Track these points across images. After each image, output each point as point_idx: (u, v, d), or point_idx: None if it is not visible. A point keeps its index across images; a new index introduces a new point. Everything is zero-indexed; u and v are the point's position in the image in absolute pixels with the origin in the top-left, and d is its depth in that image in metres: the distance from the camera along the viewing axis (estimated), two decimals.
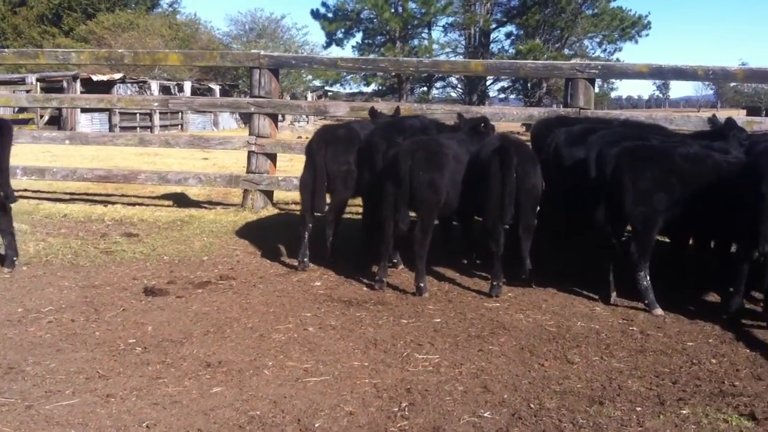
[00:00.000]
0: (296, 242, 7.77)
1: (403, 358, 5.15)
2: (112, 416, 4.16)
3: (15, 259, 7.31)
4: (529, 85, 51.03)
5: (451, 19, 53.04)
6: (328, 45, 54.32)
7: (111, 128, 37.52)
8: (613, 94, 70.72)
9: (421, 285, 6.73)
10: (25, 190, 12.03)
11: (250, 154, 9.77)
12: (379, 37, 54.80)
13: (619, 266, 6.51)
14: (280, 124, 37.45)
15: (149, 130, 38.30)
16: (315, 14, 53.83)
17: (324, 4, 53.50)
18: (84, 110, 36.53)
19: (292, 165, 14.28)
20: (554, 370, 4.98)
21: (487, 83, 53.81)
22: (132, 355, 5.14)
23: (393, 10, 50.38)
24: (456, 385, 4.67)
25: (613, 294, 6.53)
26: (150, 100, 11.04)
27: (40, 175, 10.78)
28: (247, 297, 6.61)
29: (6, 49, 10.95)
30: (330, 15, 53.37)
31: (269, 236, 8.83)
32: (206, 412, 4.24)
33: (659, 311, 6.25)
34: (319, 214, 7.69)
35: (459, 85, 56.04)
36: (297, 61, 10.13)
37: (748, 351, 5.41)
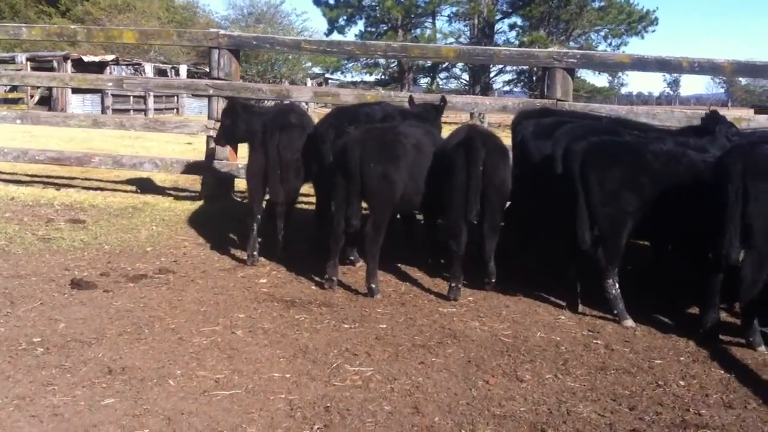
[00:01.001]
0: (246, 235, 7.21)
1: (332, 369, 4.59)
2: None
3: None
4: (534, 77, 50.33)
5: (454, 9, 52.33)
6: (330, 32, 53.57)
7: (103, 110, 36.87)
8: (623, 90, 69.78)
9: (372, 286, 6.17)
10: None
11: (208, 139, 9.19)
12: (382, 26, 54.09)
13: (588, 272, 5.95)
14: None
15: (143, 113, 37.70)
16: (316, 1, 53.13)
17: None
18: (75, 91, 35.92)
19: None
20: (499, 388, 4.42)
21: (491, 74, 53.18)
22: (30, 356, 4.59)
23: None
24: (383, 405, 4.11)
25: (580, 302, 5.97)
26: (104, 80, 10.49)
27: None
28: (180, 293, 6.05)
29: None
30: (331, 1, 52.65)
31: (224, 227, 8.27)
32: (87, 429, 3.69)
33: (629, 322, 5.69)
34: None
35: (463, 76, 55.49)
36: (258, 42, 9.51)
37: (721, 372, 4.83)
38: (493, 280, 6.38)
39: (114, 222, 8.36)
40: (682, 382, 4.64)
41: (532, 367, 4.79)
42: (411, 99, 7.74)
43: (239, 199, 9.73)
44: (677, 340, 5.42)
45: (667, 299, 6.15)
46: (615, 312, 5.76)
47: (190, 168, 9.64)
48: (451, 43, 50.13)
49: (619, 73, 53.33)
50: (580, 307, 5.96)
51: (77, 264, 6.79)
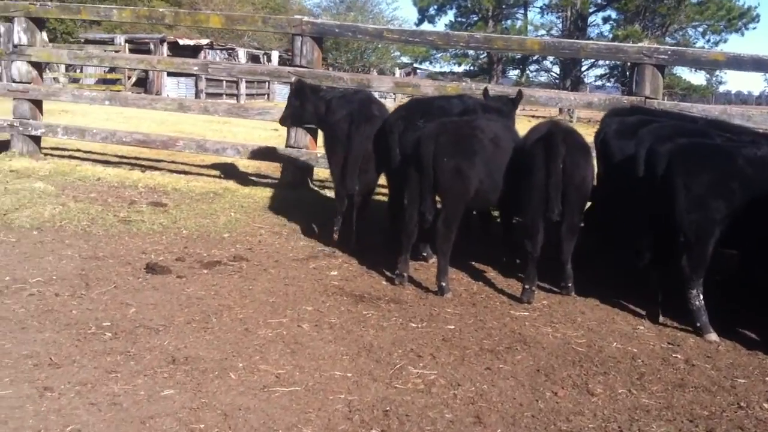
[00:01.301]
0: (327, 223, 7.20)
1: (395, 370, 4.48)
2: (38, 415, 3.65)
3: None
4: (627, 73, 48.93)
5: (547, 1, 51.41)
6: (420, 21, 53.46)
7: (197, 94, 37.73)
8: (721, 89, 66.82)
9: (443, 284, 6.04)
10: (78, 150, 11.86)
11: (289, 128, 9.18)
12: (472, 16, 53.59)
13: (670, 280, 5.67)
14: None
15: (236, 98, 38.38)
16: None
17: None
18: (170, 74, 36.82)
19: None
20: (568, 401, 4.23)
21: (582, 68, 52.06)
22: (98, 341, 4.64)
23: None
24: (444, 412, 3.98)
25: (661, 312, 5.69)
26: (190, 64, 10.57)
27: (81, 136, 10.46)
28: (252, 282, 6.05)
29: (49, 3, 10.62)
30: None
31: (301, 215, 8.25)
32: (143, 420, 3.68)
33: (713, 336, 5.39)
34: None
35: (553, 69, 54.51)
36: (341, 30, 9.43)
37: None
38: (570, 284, 6.17)
39: (194, 206, 8.45)
40: (766, 405, 4.35)
41: (605, 379, 4.57)
42: (486, 91, 7.55)
43: (317, 188, 9.71)
44: (764, 358, 5.11)
45: (755, 312, 5.80)
46: (698, 324, 5.46)
47: (271, 155, 9.66)
48: (542, 36, 49.23)
49: (716, 71, 51.19)
50: (661, 318, 5.68)
51: (154, 248, 6.88)
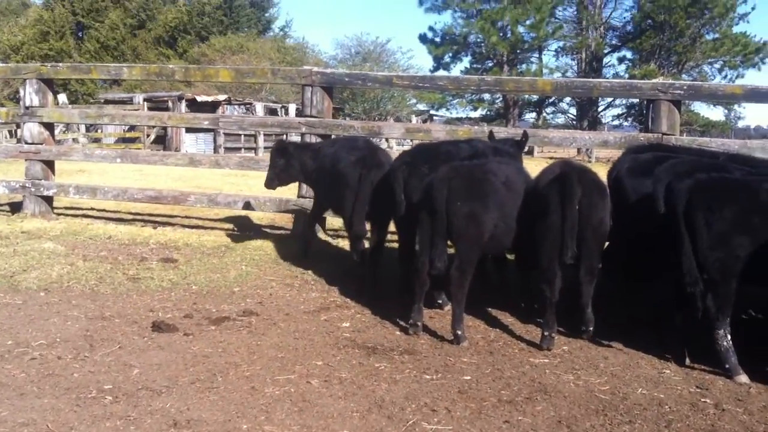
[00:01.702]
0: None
1: (407, 427, 4.25)
2: None
3: None
4: (644, 110, 48.78)
5: (561, 43, 51.71)
6: (435, 69, 53.89)
7: (215, 149, 37.96)
8: (740, 124, 66.09)
9: (459, 332, 5.82)
10: (92, 209, 11.82)
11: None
12: (487, 62, 53.95)
13: (696, 321, 5.41)
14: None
15: (254, 151, 38.58)
16: (422, 38, 53.65)
17: (431, 29, 53.36)
18: (189, 130, 37.14)
19: None
20: None
21: (599, 108, 52.05)
22: (98, 405, 4.45)
23: (501, 34, 49.52)
24: None
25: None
26: (200, 119, 10.56)
27: (92, 194, 10.43)
28: (261, 337, 5.86)
29: (60, 64, 10.68)
30: (437, 39, 53.00)
31: (312, 267, 8.10)
32: None
33: (743, 378, 5.12)
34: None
35: (570, 110, 54.54)
36: (350, 78, 9.38)
37: None
38: (591, 329, 5.91)
39: (205, 261, 8.31)
40: None
41: (631, 429, 4.32)
42: (491, 134, 7.44)
43: (330, 238, 9.55)
44: None
45: None
46: (726, 366, 5.20)
47: (283, 206, 9.55)
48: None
49: (735, 106, 50.91)
50: (687, 360, 5.42)
51: (163, 305, 6.72)
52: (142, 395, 4.62)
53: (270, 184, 8.27)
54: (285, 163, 8.00)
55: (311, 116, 9.13)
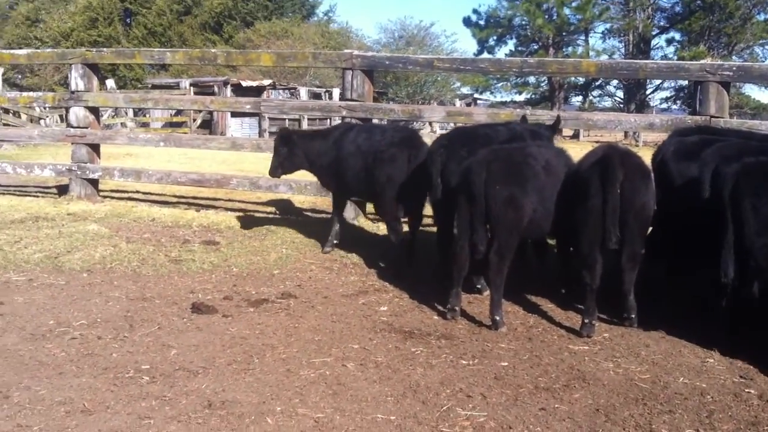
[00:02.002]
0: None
1: (442, 413, 4.21)
2: None
3: None
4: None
5: (608, 25, 50.83)
6: (479, 52, 53.36)
7: (260, 133, 38.16)
8: None
9: (497, 318, 5.75)
10: (137, 191, 11.97)
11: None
12: (533, 45, 53.33)
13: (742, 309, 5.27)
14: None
15: None
16: (466, 22, 53.17)
17: (475, 12, 52.94)
18: (234, 115, 37.41)
19: None
20: None
21: (647, 91, 51.10)
22: (134, 385, 4.49)
23: (546, 17, 48.83)
24: None
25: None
26: (242, 102, 10.54)
27: (137, 177, 10.56)
28: (298, 320, 5.86)
29: (105, 49, 10.78)
30: (481, 22, 52.51)
31: (352, 250, 8.09)
32: None
33: None
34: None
35: (617, 93, 53.67)
36: (391, 62, 9.29)
37: None
38: (633, 316, 5.80)
39: (246, 244, 8.35)
40: None
41: (671, 419, 4.22)
42: (524, 118, 7.35)
43: (371, 221, 9.53)
44: None
45: None
46: None
47: (324, 190, 9.52)
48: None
49: None
50: (732, 349, 5.28)
51: (203, 287, 6.77)
52: (178, 376, 4.66)
53: (274, 172, 8.24)
54: (288, 152, 7.99)
55: (352, 100, 9.09)
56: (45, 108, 29.97)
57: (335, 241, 8.13)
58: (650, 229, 6.05)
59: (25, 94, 13.53)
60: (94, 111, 10.91)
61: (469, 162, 5.94)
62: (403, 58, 9.21)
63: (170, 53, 10.07)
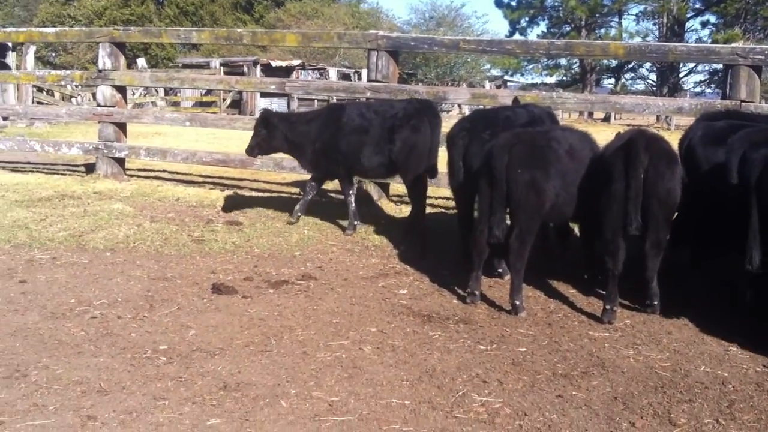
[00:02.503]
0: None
1: (457, 398, 4.18)
2: None
3: None
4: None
5: (642, 7, 50.01)
6: (511, 34, 52.87)
7: None
8: None
9: (517, 303, 5.69)
10: (164, 171, 12.03)
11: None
12: (565, 26, 52.71)
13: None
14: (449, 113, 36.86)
15: None
16: (498, 3, 52.67)
17: None
18: (263, 95, 37.44)
19: None
20: None
21: (680, 74, 50.32)
22: (151, 365, 4.51)
23: None
24: None
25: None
26: (267, 83, 10.51)
27: (162, 157, 10.60)
28: (317, 302, 5.85)
29: (132, 28, 10.77)
30: (513, 3, 51.97)
31: (375, 232, 8.07)
32: None
33: None
34: None
35: (650, 76, 52.94)
36: (416, 42, 9.19)
37: None
38: (656, 303, 5.72)
39: (269, 225, 8.36)
40: None
41: (690, 408, 4.15)
42: (516, 100, 7.30)
43: (395, 203, 9.48)
44: None
45: None
46: None
47: None
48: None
49: None
50: (755, 338, 5.18)
51: (224, 267, 6.78)
52: (195, 357, 4.67)
53: (250, 151, 8.35)
54: (267, 134, 8.10)
55: (376, 81, 9.03)
56: (77, 86, 30.26)
57: (356, 222, 8.11)
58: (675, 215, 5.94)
59: (53, 72, 13.60)
60: (121, 90, 10.95)
61: (491, 145, 5.87)
62: (429, 39, 9.12)
63: (196, 32, 10.07)
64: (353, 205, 8.12)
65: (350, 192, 8.12)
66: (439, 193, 9.83)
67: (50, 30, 12.18)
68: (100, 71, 10.77)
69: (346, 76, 43.62)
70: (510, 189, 5.62)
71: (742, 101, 7.47)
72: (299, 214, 8.28)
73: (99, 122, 10.89)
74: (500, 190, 5.64)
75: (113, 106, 10.75)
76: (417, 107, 7.67)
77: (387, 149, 7.62)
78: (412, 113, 7.57)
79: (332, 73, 43.03)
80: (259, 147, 8.26)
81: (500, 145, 5.71)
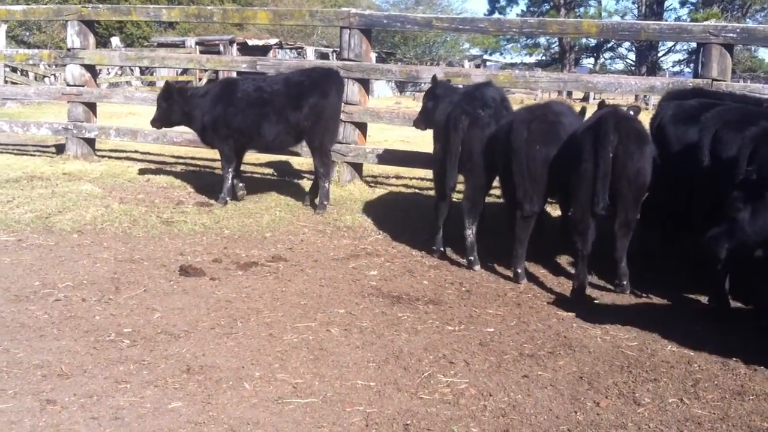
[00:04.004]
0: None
1: (423, 379, 4.16)
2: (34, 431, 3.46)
3: None
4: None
5: None
6: (490, 13, 52.84)
7: None
8: None
9: (519, 271, 6.04)
10: (135, 151, 11.88)
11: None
12: (544, 5, 52.64)
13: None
14: None
15: None
16: None
17: None
18: (240, 74, 37.15)
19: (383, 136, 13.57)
20: (610, 412, 3.83)
21: (659, 54, 50.45)
22: (114, 348, 4.45)
23: None
24: (470, 426, 3.64)
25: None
26: (238, 61, 10.43)
27: (133, 137, 10.44)
28: (286, 284, 5.80)
29: (101, 5, 10.56)
30: None
31: (347, 213, 8.01)
32: None
33: None
34: None
35: (629, 56, 53.03)
36: (389, 20, 9.08)
37: None
38: (625, 283, 5.73)
39: (240, 206, 8.28)
40: None
41: (655, 387, 4.15)
42: (434, 78, 7.48)
43: (367, 184, 9.42)
44: None
45: None
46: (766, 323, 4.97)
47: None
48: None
49: None
50: (722, 318, 5.20)
51: (193, 249, 6.71)
52: (159, 339, 4.61)
53: (153, 123, 8.71)
54: (167, 106, 8.43)
55: (349, 59, 8.93)
56: (50, 66, 29.83)
57: (227, 198, 8.33)
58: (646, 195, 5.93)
59: (21, 51, 13.43)
60: (91, 69, 10.78)
61: (509, 122, 6.07)
62: (401, 17, 9.02)
63: (166, 10, 9.89)
64: (229, 181, 8.35)
65: (229, 169, 8.35)
66: (413, 173, 9.80)
67: (17, 8, 11.92)
68: (68, 50, 10.60)
69: (324, 55, 43.33)
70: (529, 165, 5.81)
71: (714, 80, 7.45)
72: (227, 198, 8.36)
73: (68, 102, 10.72)
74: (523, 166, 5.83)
75: (83, 86, 10.58)
76: (323, 74, 8.10)
77: (293, 117, 7.90)
78: (319, 80, 7.95)
79: (310, 52, 42.79)
80: (160, 120, 8.60)
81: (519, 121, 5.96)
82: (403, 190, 9.29)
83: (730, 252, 4.91)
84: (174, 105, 8.38)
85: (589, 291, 5.72)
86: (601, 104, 6.26)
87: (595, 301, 5.62)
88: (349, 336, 4.77)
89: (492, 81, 7.00)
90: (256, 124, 8.02)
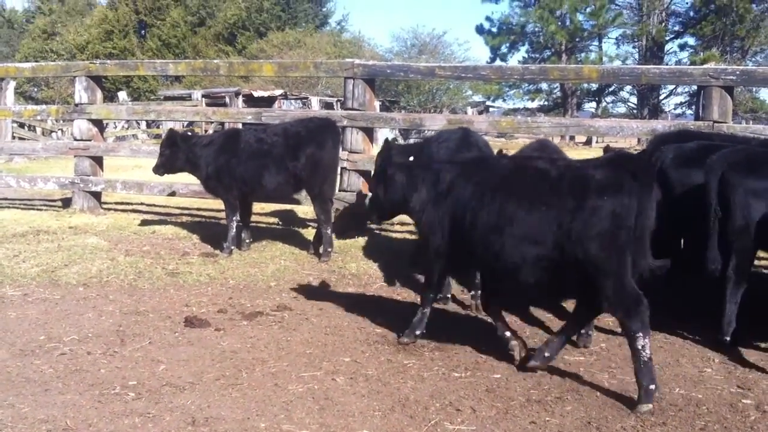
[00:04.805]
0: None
1: (429, 427, 4.12)
2: None
3: None
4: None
5: (621, 31, 50.61)
6: (492, 60, 53.20)
7: None
8: None
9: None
10: (141, 203, 11.94)
11: (341, 170, 9.00)
12: (546, 51, 53.15)
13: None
14: None
15: None
16: (479, 30, 53.07)
17: (488, 19, 52.78)
18: (245, 126, 37.48)
19: None
20: None
21: (660, 97, 50.73)
22: (119, 402, 4.43)
23: (559, 23, 48.69)
24: None
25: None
26: (244, 113, 10.54)
27: (139, 190, 10.53)
28: (291, 333, 5.79)
29: (108, 61, 10.74)
30: (494, 29, 52.37)
31: (351, 260, 8.02)
32: None
33: None
34: None
35: (631, 99, 53.35)
36: (392, 70, 9.22)
37: None
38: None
39: (245, 256, 8.30)
40: None
41: (663, 431, 4.11)
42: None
43: (374, 233, 9.44)
44: None
45: None
46: None
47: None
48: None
49: None
50: (731, 358, 5.17)
51: (198, 300, 6.72)
52: (165, 392, 4.59)
53: (156, 170, 8.79)
54: (171, 153, 8.52)
55: (353, 109, 9.03)
56: (58, 121, 30.18)
57: (232, 247, 8.36)
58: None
59: (30, 107, 13.61)
60: (98, 123, 10.91)
61: None
62: (405, 67, 9.14)
63: (173, 64, 10.06)
64: (234, 230, 8.36)
65: (233, 218, 8.37)
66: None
67: (26, 65, 12.14)
68: (76, 105, 10.74)
69: (328, 105, 43.73)
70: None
71: (715, 122, 7.50)
72: (231, 248, 8.37)
73: (75, 156, 10.83)
74: None
75: (89, 140, 10.70)
76: (319, 124, 8.21)
77: (292, 167, 7.99)
78: (316, 130, 8.07)
79: (314, 102, 43.17)
80: (164, 166, 8.66)
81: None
82: (398, 236, 9.31)
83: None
84: (178, 152, 8.46)
85: (595, 335, 5.68)
86: (606, 149, 6.28)
87: (602, 345, 5.58)
88: (355, 384, 4.75)
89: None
90: (257, 174, 8.10)
